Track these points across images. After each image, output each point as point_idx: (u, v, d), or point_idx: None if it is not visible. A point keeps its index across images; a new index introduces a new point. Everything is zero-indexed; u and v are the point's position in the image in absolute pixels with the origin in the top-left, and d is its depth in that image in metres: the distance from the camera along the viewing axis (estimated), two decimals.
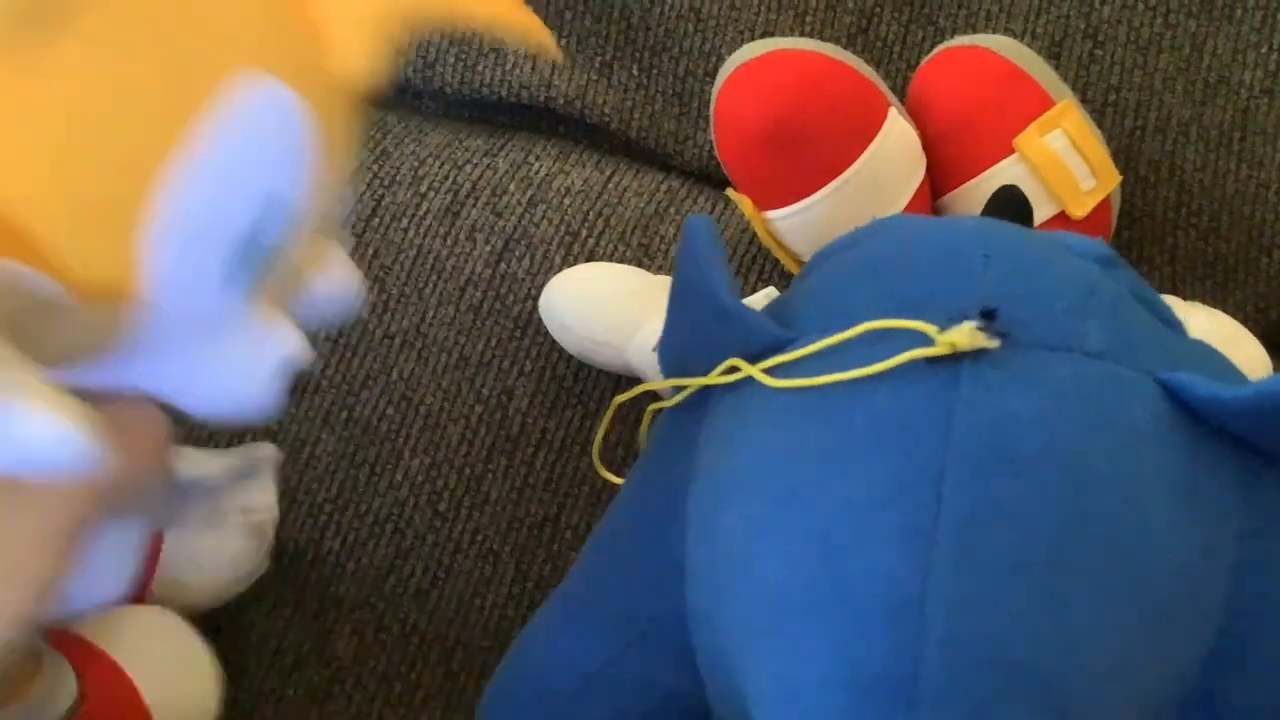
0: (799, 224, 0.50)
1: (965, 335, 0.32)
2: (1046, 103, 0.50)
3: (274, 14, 0.32)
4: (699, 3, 0.58)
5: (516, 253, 0.54)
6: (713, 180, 0.57)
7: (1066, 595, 0.30)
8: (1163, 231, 0.56)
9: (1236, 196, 0.55)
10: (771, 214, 0.50)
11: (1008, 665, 0.29)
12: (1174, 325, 0.38)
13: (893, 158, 0.49)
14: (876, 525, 0.31)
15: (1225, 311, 0.55)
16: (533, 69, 0.58)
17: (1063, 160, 0.49)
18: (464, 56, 0.59)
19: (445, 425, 0.52)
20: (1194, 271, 0.56)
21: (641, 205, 0.56)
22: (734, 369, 0.35)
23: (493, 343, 0.53)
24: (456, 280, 0.54)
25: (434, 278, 0.54)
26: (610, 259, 0.54)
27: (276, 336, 0.36)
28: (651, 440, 0.42)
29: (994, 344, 0.32)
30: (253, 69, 0.31)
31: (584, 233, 0.54)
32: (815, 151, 0.48)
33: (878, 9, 0.58)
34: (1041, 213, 0.50)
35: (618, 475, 0.48)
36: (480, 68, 0.59)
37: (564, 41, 0.59)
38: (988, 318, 0.32)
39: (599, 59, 0.59)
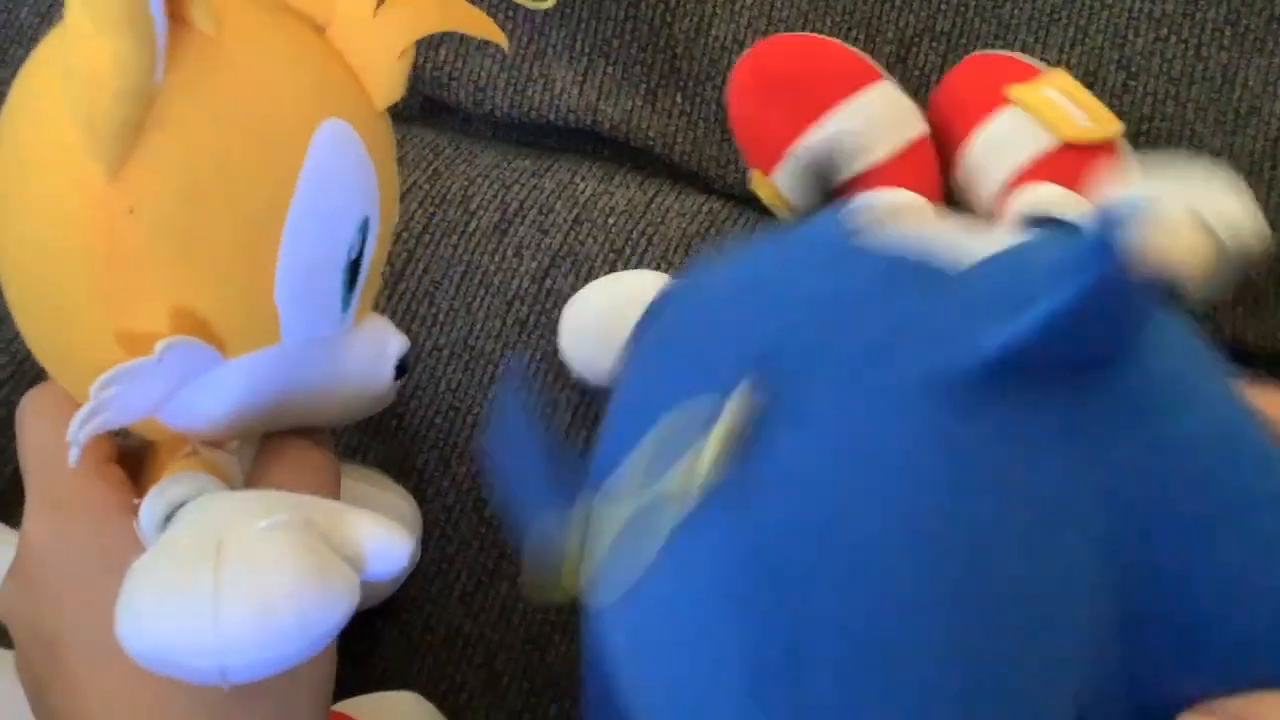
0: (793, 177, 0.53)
1: (732, 420, 0.30)
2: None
3: (324, 68, 0.37)
4: (742, 34, 0.60)
5: (562, 269, 0.56)
6: (753, 204, 0.59)
7: (905, 687, 0.28)
8: None
9: (1268, 223, 0.56)
10: (775, 176, 0.53)
11: None
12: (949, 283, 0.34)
13: (877, 109, 0.52)
14: (706, 682, 0.29)
15: (1254, 335, 0.56)
16: (580, 94, 0.60)
17: (1056, 102, 0.51)
18: (514, 82, 0.61)
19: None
20: (1225, 298, 0.57)
21: (684, 226, 0.57)
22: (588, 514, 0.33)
23: (538, 356, 0.54)
24: (504, 295, 0.56)
25: (482, 292, 0.56)
26: None
27: (386, 336, 0.42)
28: None
29: (758, 405, 0.30)
30: (321, 115, 0.36)
31: (627, 251, 0.56)
32: (798, 97, 0.51)
33: (916, 39, 0.59)
34: (1037, 145, 0.51)
35: None
36: (530, 92, 0.61)
37: (610, 69, 0.61)
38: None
39: (644, 86, 0.61)
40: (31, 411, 0.40)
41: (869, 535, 0.28)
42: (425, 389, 0.55)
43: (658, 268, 0.56)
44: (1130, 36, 0.58)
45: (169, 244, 0.34)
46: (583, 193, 0.58)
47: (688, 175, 0.61)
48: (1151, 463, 0.31)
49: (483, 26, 0.40)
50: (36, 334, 0.38)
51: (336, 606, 0.32)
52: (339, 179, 0.37)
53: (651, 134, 0.60)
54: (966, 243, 0.35)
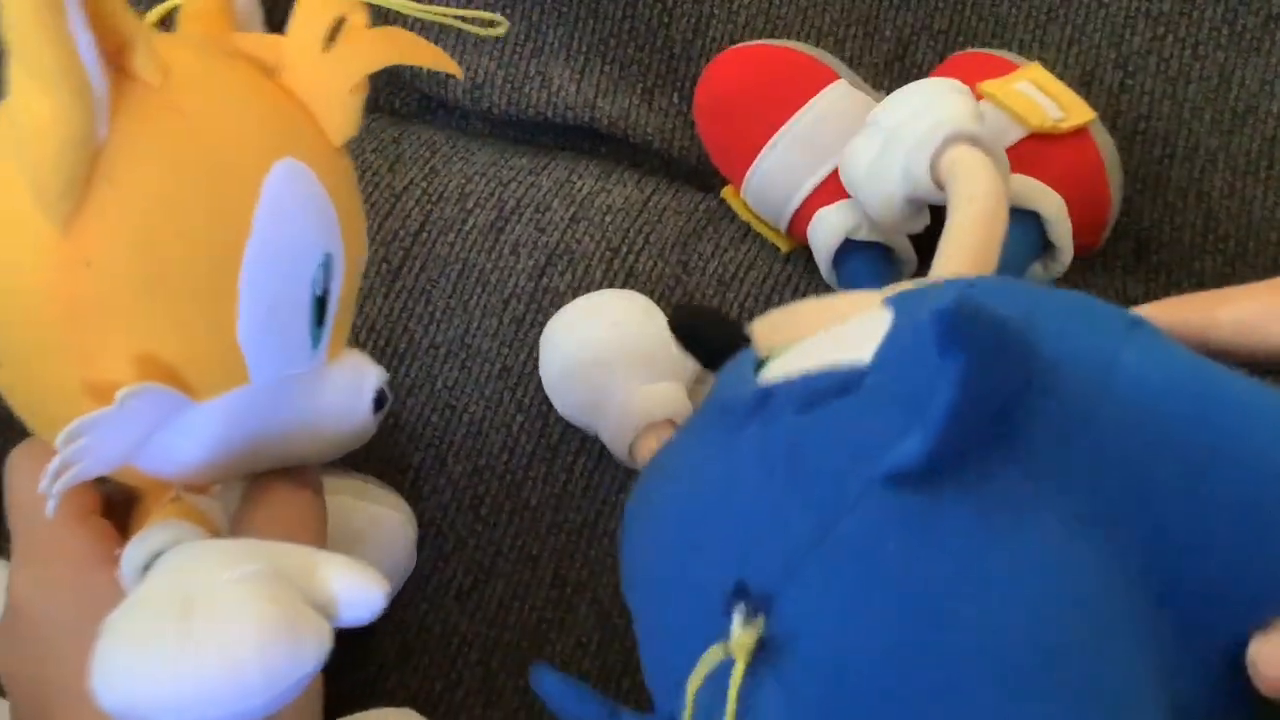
0: (756, 190, 0.54)
1: (744, 638, 0.31)
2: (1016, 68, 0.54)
3: (275, 110, 0.38)
4: (740, 33, 0.60)
5: (559, 268, 0.56)
6: None
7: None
8: (1190, 256, 0.57)
9: (1263, 223, 0.56)
10: (743, 191, 0.54)
11: None
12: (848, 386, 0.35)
13: (834, 115, 0.52)
14: None
15: None
16: (577, 91, 0.60)
17: (1027, 94, 0.52)
18: (511, 79, 0.61)
19: (488, 433, 0.54)
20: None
21: (680, 224, 0.57)
22: None
23: (535, 354, 0.54)
24: (500, 293, 0.56)
25: (478, 291, 0.56)
26: (649, 275, 0.56)
27: (363, 370, 0.42)
28: None
29: (761, 629, 0.31)
30: (272, 156, 0.36)
31: (624, 249, 0.56)
32: (748, 117, 0.52)
33: (914, 38, 0.59)
34: (1006, 137, 0.51)
35: None
36: (527, 89, 0.61)
37: (608, 67, 0.61)
38: (741, 597, 0.32)
39: (641, 84, 0.61)
40: (16, 467, 0.40)
41: (904, 656, 0.29)
42: (421, 387, 0.55)
43: (654, 265, 0.56)
44: (1127, 35, 0.58)
45: (127, 293, 0.34)
46: (580, 190, 0.58)
47: (685, 173, 0.61)
48: (1124, 461, 0.31)
49: (434, 58, 0.40)
50: (12, 392, 0.38)
51: (306, 658, 0.33)
52: (296, 217, 0.37)
53: (649, 131, 0.60)
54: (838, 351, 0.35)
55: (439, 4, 0.42)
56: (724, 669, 0.31)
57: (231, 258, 0.35)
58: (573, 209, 0.57)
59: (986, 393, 0.29)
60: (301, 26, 0.38)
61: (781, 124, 0.53)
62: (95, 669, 0.32)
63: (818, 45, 0.59)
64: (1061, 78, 0.55)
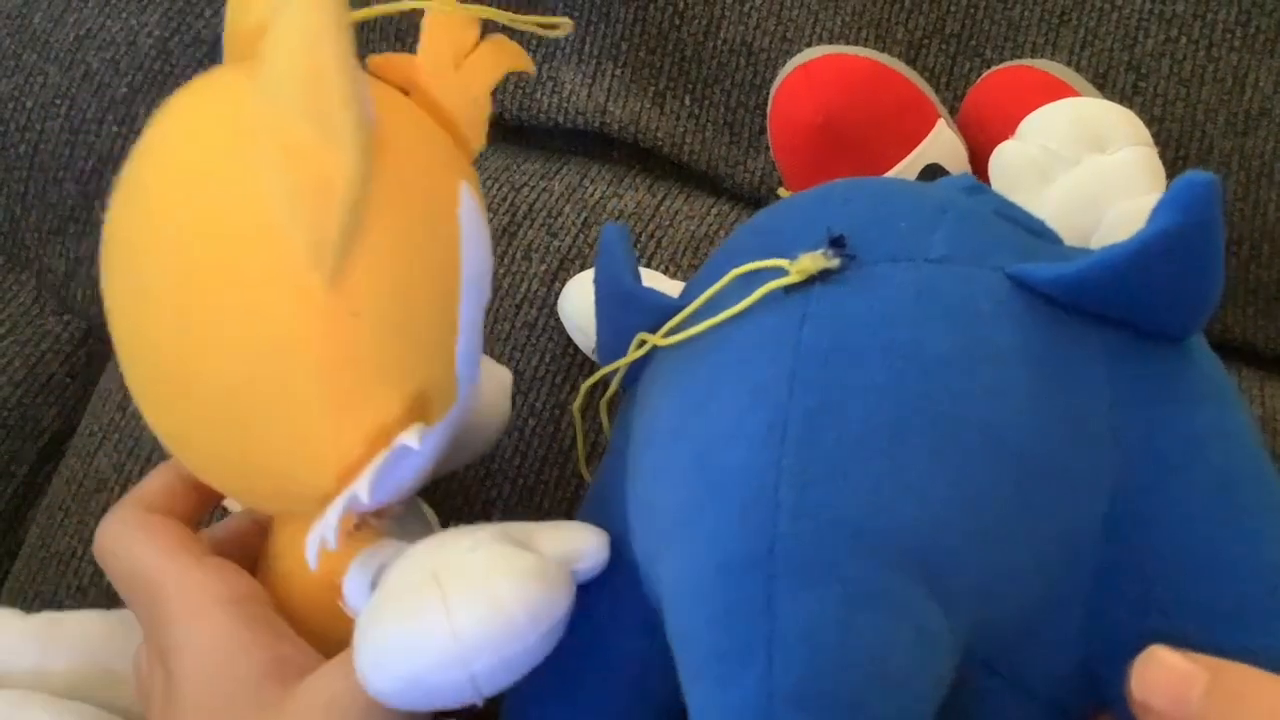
0: None
1: (811, 260, 0.35)
2: None
3: (438, 130, 0.38)
4: (751, 37, 0.60)
5: (571, 272, 0.56)
6: (761, 204, 0.59)
7: (911, 462, 0.32)
8: None
9: (1277, 225, 0.56)
10: None
11: (854, 527, 0.31)
12: (1044, 235, 0.39)
13: (937, 159, 0.51)
14: (737, 431, 0.33)
15: (1265, 337, 0.56)
16: (588, 96, 0.60)
17: None
18: (523, 85, 0.61)
19: (500, 438, 0.54)
20: (1235, 299, 0.57)
21: (692, 228, 0.57)
22: (642, 343, 0.39)
23: (547, 358, 0.55)
24: (513, 298, 0.56)
25: (491, 296, 0.56)
26: None
27: (498, 371, 0.45)
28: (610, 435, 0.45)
29: (835, 263, 0.35)
30: (456, 178, 0.37)
31: (637, 254, 0.56)
32: (862, 150, 0.50)
33: (926, 41, 0.59)
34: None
35: None
36: (538, 95, 0.61)
37: (619, 71, 0.61)
38: (836, 244, 0.35)
39: (653, 89, 0.61)
40: (118, 536, 0.40)
41: (926, 351, 0.33)
42: None
43: (667, 270, 0.56)
44: (1140, 38, 0.57)
45: (391, 337, 0.35)
46: (592, 195, 0.58)
47: (696, 177, 0.61)
48: (1169, 430, 0.35)
49: (529, 63, 0.42)
50: (225, 446, 0.36)
51: (560, 596, 0.34)
52: (480, 238, 0.37)
53: (660, 135, 0.60)
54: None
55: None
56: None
57: (454, 288, 0.36)
58: (584, 214, 0.57)
59: (1164, 262, 0.33)
60: (433, 45, 0.38)
61: (889, 164, 0.51)
62: (362, 661, 0.33)
63: None
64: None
